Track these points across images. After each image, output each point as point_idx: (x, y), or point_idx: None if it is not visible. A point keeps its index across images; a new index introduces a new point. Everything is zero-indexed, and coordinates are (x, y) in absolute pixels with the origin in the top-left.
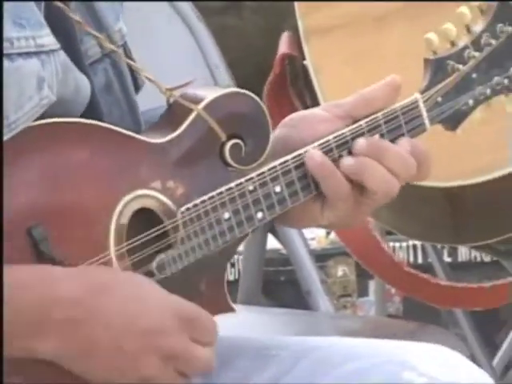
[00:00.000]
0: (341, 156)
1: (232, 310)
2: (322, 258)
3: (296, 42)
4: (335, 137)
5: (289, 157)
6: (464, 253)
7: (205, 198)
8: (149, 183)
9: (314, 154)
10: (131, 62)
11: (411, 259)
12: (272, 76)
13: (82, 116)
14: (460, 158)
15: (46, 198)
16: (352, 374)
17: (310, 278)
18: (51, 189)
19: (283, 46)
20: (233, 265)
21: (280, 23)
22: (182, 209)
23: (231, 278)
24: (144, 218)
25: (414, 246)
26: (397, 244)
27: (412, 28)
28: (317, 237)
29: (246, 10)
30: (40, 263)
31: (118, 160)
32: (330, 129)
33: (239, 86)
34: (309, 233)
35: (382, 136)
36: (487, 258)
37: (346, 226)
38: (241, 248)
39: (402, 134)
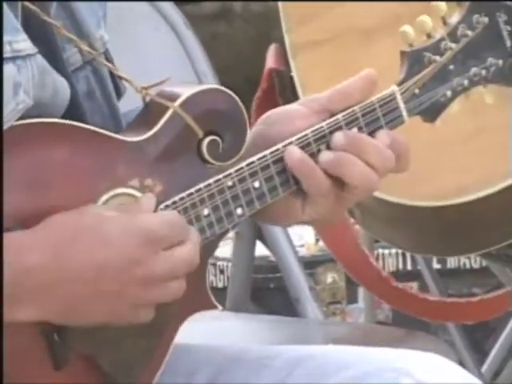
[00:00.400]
0: (319, 150)
1: (214, 306)
2: (311, 264)
3: (283, 54)
4: (313, 131)
5: (267, 152)
6: (453, 260)
7: (183, 194)
8: (127, 181)
9: (292, 150)
10: (107, 64)
11: (400, 266)
12: (260, 91)
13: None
14: (443, 177)
15: (23, 199)
16: (348, 381)
17: (298, 285)
18: (29, 189)
19: (270, 60)
20: (221, 271)
21: (271, 32)
22: (161, 206)
23: (220, 284)
24: None
25: (403, 253)
26: (386, 251)
27: (399, 42)
28: (306, 244)
29: (236, 19)
30: None
31: (96, 159)
32: (307, 124)
33: None
34: (298, 239)
35: (360, 129)
36: (476, 265)
37: (327, 221)
38: (229, 255)
39: (381, 127)
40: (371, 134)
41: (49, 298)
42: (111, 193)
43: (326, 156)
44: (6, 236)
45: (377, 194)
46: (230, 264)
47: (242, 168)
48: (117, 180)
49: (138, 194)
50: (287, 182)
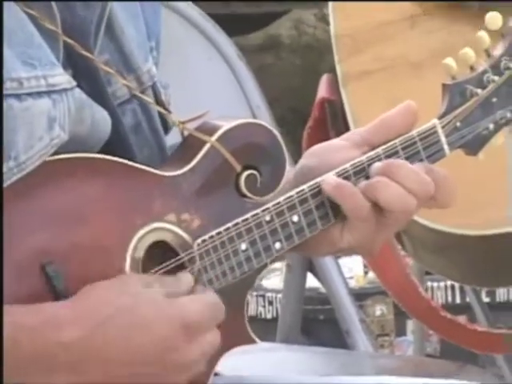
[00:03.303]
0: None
1: (253, 341)
2: (360, 296)
3: (335, 84)
4: (352, 164)
5: (305, 186)
6: (502, 293)
7: (221, 229)
8: (163, 216)
9: (328, 177)
10: (142, 96)
11: (449, 299)
12: (311, 121)
13: (113, 156)
14: (494, 205)
15: (59, 235)
16: None
17: (349, 317)
18: (64, 225)
19: (322, 89)
20: (270, 303)
21: (318, 63)
22: (198, 241)
23: (269, 316)
24: (160, 252)
25: (453, 286)
26: (435, 284)
27: (459, 73)
28: (355, 276)
29: (284, 50)
30: (55, 300)
31: (132, 194)
32: (348, 157)
33: (275, 125)
34: (347, 272)
35: None
36: None
37: (366, 250)
38: (278, 286)
39: (421, 160)
40: None
41: (81, 372)
42: (147, 228)
43: (363, 183)
44: (44, 306)
45: (427, 222)
46: (278, 295)
47: (279, 202)
48: (153, 215)
49: (175, 229)
50: (326, 215)
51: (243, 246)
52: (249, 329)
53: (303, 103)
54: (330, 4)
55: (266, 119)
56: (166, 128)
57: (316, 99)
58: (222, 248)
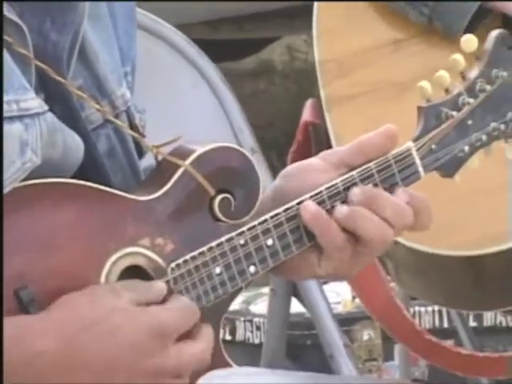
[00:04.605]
0: (333, 207)
1: (228, 364)
2: (347, 321)
3: (319, 108)
4: (327, 188)
5: (280, 209)
6: (490, 317)
7: (195, 253)
8: (137, 241)
9: (308, 205)
10: (115, 121)
11: (437, 323)
12: (295, 144)
13: (88, 181)
14: (478, 225)
15: (33, 260)
16: None
17: (333, 341)
18: (38, 250)
19: (306, 113)
20: (258, 328)
21: (311, 89)
22: (172, 265)
23: (256, 341)
24: (134, 276)
25: (440, 311)
26: (422, 308)
27: (434, 96)
28: (343, 300)
29: (277, 75)
30: None
31: (105, 219)
32: (325, 178)
33: (268, 149)
34: (335, 296)
35: (375, 185)
36: None
37: (344, 276)
38: (265, 311)
39: (396, 183)
40: (388, 190)
41: (57, 380)
42: (121, 252)
43: (341, 210)
44: (18, 319)
45: (410, 244)
46: (266, 320)
47: (254, 226)
48: (127, 239)
49: (149, 253)
50: (301, 239)
51: (218, 270)
52: (224, 352)
53: (296, 127)
54: (315, 30)
55: (248, 142)
56: (141, 153)
57: (300, 123)
58: (196, 272)
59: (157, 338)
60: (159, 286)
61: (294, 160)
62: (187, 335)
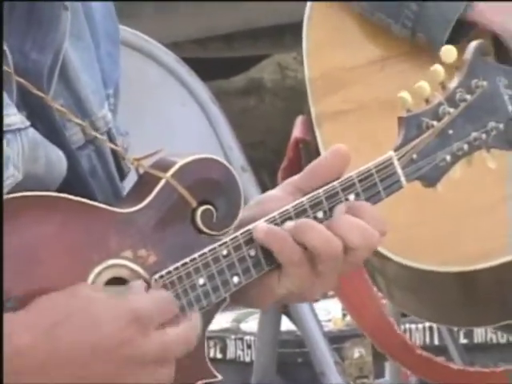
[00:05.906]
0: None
1: (214, 376)
2: (338, 339)
3: (310, 125)
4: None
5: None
6: (480, 334)
7: (178, 264)
8: (120, 252)
9: (258, 224)
10: (98, 136)
11: (427, 341)
12: (286, 161)
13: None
14: (470, 241)
15: (16, 273)
16: None
17: (323, 359)
18: (21, 263)
19: (297, 130)
20: (249, 346)
21: (301, 106)
22: (156, 276)
23: (247, 359)
24: None
25: (431, 328)
26: (413, 326)
27: (415, 106)
28: (333, 318)
29: (267, 93)
30: None
31: (88, 231)
32: (281, 206)
33: (258, 167)
34: (325, 314)
35: (357, 195)
36: (503, 340)
37: (304, 296)
38: (255, 329)
39: (378, 192)
40: (369, 199)
41: (38, 380)
42: (104, 265)
43: (289, 223)
44: None
45: (402, 260)
46: (256, 338)
47: (236, 236)
48: (109, 251)
49: (132, 265)
50: (260, 263)
51: (201, 281)
52: (209, 364)
53: (286, 145)
54: (304, 47)
55: (238, 160)
56: (122, 175)
57: (290, 140)
58: (179, 283)
59: (135, 323)
60: (138, 283)
61: (285, 177)
62: (170, 323)
